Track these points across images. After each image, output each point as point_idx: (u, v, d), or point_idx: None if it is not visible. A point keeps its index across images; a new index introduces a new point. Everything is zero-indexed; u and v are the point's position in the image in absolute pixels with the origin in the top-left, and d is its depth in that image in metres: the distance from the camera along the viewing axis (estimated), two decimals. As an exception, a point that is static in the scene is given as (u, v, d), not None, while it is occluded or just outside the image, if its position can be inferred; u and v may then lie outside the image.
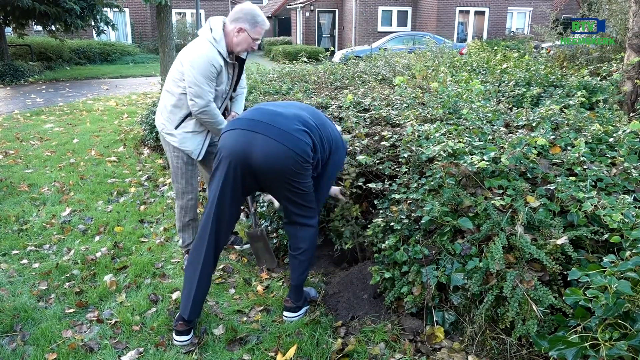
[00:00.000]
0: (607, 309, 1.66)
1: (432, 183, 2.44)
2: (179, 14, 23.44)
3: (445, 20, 21.19)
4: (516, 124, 2.98)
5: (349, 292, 2.63)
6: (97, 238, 3.49)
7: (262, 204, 3.27)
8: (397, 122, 3.20)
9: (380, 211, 2.66)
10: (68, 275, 2.95)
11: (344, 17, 24.14)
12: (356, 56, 7.65)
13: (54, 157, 5.54)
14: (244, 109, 2.98)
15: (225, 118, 2.88)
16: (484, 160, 2.29)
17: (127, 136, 6.58)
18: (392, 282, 2.43)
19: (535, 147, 2.39)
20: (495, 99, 3.64)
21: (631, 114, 3.69)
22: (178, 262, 3.14)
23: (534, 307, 1.90)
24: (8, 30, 15.01)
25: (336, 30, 24.85)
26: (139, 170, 5.09)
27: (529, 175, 2.39)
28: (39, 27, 15.21)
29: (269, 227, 3.21)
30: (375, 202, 2.75)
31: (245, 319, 2.53)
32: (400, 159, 2.75)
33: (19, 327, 2.44)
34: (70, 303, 2.66)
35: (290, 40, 26.05)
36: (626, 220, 1.96)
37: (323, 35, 25.16)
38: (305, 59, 5.97)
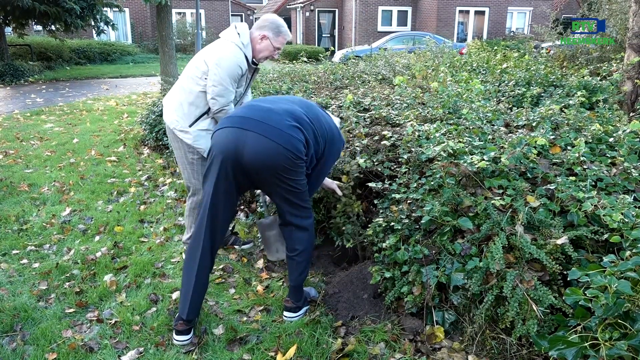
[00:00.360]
0: (607, 309, 1.66)
1: (432, 183, 2.44)
2: (179, 13, 23.43)
3: (445, 20, 21.19)
4: (516, 123, 2.98)
5: (349, 291, 2.63)
6: (97, 238, 3.49)
7: (261, 205, 3.27)
8: (397, 122, 3.20)
9: (381, 211, 2.66)
10: (68, 275, 2.95)
11: (344, 17, 24.14)
12: (356, 56, 7.64)
13: (54, 157, 5.54)
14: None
15: None
16: (484, 160, 2.29)
17: (127, 136, 6.58)
18: (392, 281, 2.44)
19: (535, 147, 2.39)
20: (495, 99, 3.65)
21: (631, 114, 3.69)
22: (178, 261, 3.14)
23: (534, 307, 1.90)
24: (8, 30, 15.01)
25: (336, 30, 24.85)
26: (139, 170, 5.09)
27: (529, 175, 2.39)
28: (39, 27, 15.20)
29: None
30: (375, 201, 2.76)
31: (245, 318, 2.53)
32: (400, 159, 2.75)
33: (19, 326, 2.44)
34: (70, 303, 2.66)
35: (290, 40, 26.01)
36: (626, 220, 1.96)
37: (323, 35, 25.16)
38: (305, 59, 5.97)
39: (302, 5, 24.51)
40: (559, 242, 1.97)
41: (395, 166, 2.80)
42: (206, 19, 23.72)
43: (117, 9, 14.18)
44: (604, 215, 1.99)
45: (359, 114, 3.42)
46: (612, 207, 2.01)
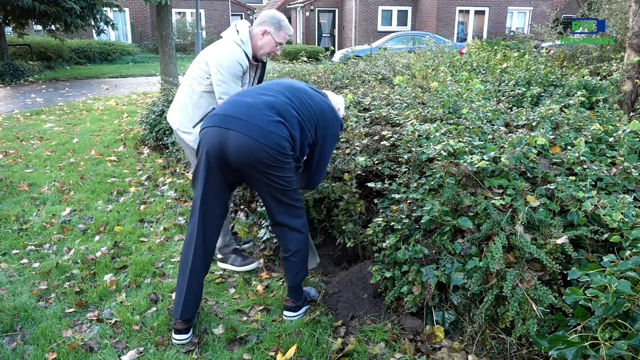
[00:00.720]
0: (607, 309, 1.66)
1: (432, 183, 2.44)
2: (179, 13, 23.43)
3: (445, 19, 21.18)
4: (516, 123, 2.98)
5: (349, 291, 2.63)
6: (97, 237, 3.49)
7: (261, 204, 3.26)
8: (397, 121, 3.20)
9: (381, 210, 2.66)
10: (68, 274, 2.95)
11: (344, 17, 24.14)
12: (356, 56, 7.64)
13: (54, 157, 5.54)
14: None
15: None
16: (484, 159, 2.29)
17: (127, 136, 6.57)
18: (392, 281, 2.44)
19: (535, 147, 2.39)
20: (495, 99, 3.64)
21: (631, 114, 3.69)
22: (178, 261, 3.13)
23: (534, 306, 1.90)
24: (8, 29, 15.01)
25: (336, 30, 24.85)
26: (139, 170, 5.08)
27: (529, 174, 2.39)
28: (39, 27, 15.21)
29: (269, 227, 3.20)
30: (376, 200, 2.76)
31: (245, 318, 2.53)
32: (400, 159, 2.75)
33: (19, 326, 2.44)
34: (70, 302, 2.66)
35: (290, 40, 26.04)
36: (626, 220, 1.96)
37: (323, 35, 25.16)
38: (305, 59, 5.96)
39: (302, 5, 24.50)
40: (559, 241, 1.97)
41: (395, 166, 2.80)
42: (206, 18, 23.72)
43: (117, 9, 14.20)
44: (604, 215, 1.99)
45: (359, 113, 3.42)
46: (612, 207, 2.01)
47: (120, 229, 3.61)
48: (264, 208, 3.12)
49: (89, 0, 12.62)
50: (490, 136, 2.69)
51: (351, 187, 2.81)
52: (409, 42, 11.71)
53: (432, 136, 2.63)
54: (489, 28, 21.91)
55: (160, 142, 5.64)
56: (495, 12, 21.84)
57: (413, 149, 2.68)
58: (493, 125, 2.90)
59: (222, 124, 2.14)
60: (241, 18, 28.11)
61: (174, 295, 2.71)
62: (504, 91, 3.86)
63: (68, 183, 4.63)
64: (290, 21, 29.56)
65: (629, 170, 2.30)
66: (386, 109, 3.41)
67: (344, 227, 2.84)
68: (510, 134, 2.67)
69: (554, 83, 3.97)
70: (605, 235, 1.99)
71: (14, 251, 3.26)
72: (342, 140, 3.16)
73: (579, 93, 3.29)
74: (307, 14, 24.55)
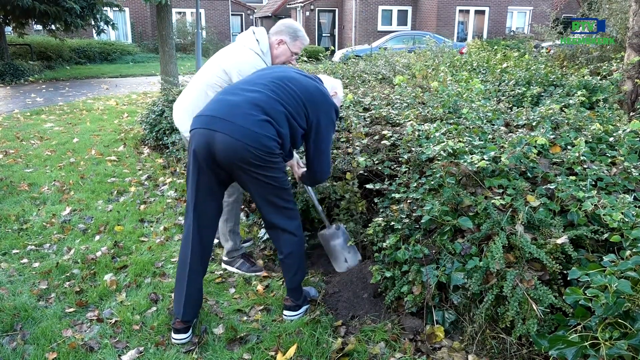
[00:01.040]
0: (607, 308, 1.66)
1: (432, 182, 2.44)
2: (179, 13, 23.42)
3: (445, 19, 21.17)
4: (516, 123, 2.98)
5: (349, 291, 2.63)
6: (97, 237, 3.49)
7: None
8: (397, 121, 3.20)
9: (381, 210, 2.66)
10: (68, 274, 2.95)
11: (344, 17, 24.13)
12: (356, 55, 7.65)
13: (54, 157, 5.54)
14: None
15: None
16: (484, 159, 2.29)
17: (127, 135, 6.57)
18: (392, 281, 2.44)
19: (535, 147, 2.39)
20: (495, 99, 3.64)
21: (631, 113, 3.69)
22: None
23: (534, 306, 1.90)
24: (8, 29, 15.00)
25: (336, 30, 24.84)
26: (139, 170, 5.08)
27: (529, 174, 2.39)
28: (39, 27, 15.21)
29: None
30: (376, 200, 2.75)
31: (245, 318, 2.53)
32: (400, 159, 2.75)
33: (19, 326, 2.44)
34: (70, 302, 2.66)
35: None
36: (626, 220, 1.96)
37: (323, 35, 25.16)
38: (305, 59, 5.96)
39: (302, 4, 24.49)
40: (559, 241, 1.97)
41: (395, 166, 2.80)
42: (206, 18, 23.71)
43: (117, 9, 14.20)
44: (604, 215, 1.99)
45: (359, 113, 3.41)
46: (612, 207, 2.01)
47: (120, 228, 3.61)
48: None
49: (89, 0, 12.63)
50: (490, 136, 2.69)
51: (353, 187, 2.80)
52: (409, 42, 11.70)
53: (432, 136, 2.63)
54: (489, 28, 21.90)
55: (161, 142, 5.64)
56: (495, 12, 21.83)
57: (413, 149, 2.68)
58: (493, 125, 2.90)
59: (208, 126, 2.13)
60: (241, 18, 28.11)
61: (173, 295, 2.71)
62: (504, 91, 3.86)
63: (68, 183, 4.63)
64: (290, 21, 29.37)
65: (629, 170, 2.30)
66: (386, 108, 3.41)
67: (344, 227, 2.84)
68: (511, 134, 2.67)
69: (554, 83, 3.97)
70: (606, 235, 1.99)
71: (14, 251, 3.26)
72: (342, 140, 3.16)
73: (579, 93, 3.29)
74: (307, 13, 24.54)
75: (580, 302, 1.76)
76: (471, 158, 2.32)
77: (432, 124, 2.82)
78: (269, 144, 2.09)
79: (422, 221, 2.32)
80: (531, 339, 1.92)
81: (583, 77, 3.88)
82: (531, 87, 3.83)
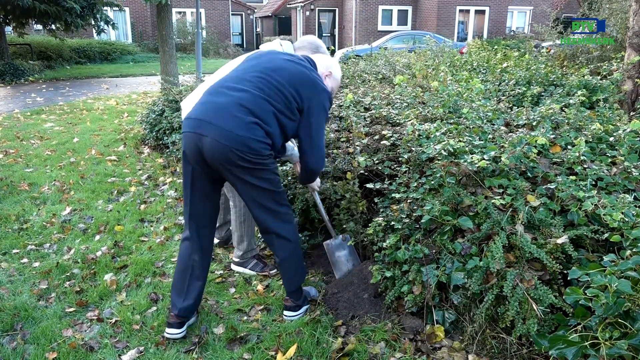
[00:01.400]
0: (608, 308, 1.66)
1: (433, 182, 2.44)
2: (179, 13, 23.43)
3: (445, 19, 21.17)
4: (516, 123, 2.98)
5: (349, 291, 2.63)
6: (97, 237, 3.49)
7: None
8: (398, 121, 3.20)
9: (381, 210, 2.66)
10: (68, 274, 2.95)
11: (344, 16, 24.13)
12: (356, 55, 7.65)
13: (54, 156, 5.54)
14: None
15: None
16: (484, 159, 2.29)
17: (128, 135, 6.58)
18: (392, 281, 2.43)
19: (535, 146, 2.39)
20: (495, 98, 3.64)
21: (631, 113, 3.69)
22: (178, 261, 3.14)
23: (534, 306, 1.90)
24: (8, 29, 15.01)
25: (336, 30, 24.84)
26: (139, 170, 5.09)
27: (529, 174, 2.39)
28: (39, 26, 15.22)
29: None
30: (376, 199, 2.75)
31: (245, 318, 2.53)
32: (400, 158, 2.75)
33: (19, 326, 2.45)
34: (70, 302, 2.66)
35: (291, 40, 26.01)
36: (626, 220, 1.96)
37: (323, 35, 25.14)
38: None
39: (302, 4, 24.49)
40: (559, 241, 1.97)
41: (395, 165, 2.80)
42: (206, 18, 23.72)
43: (117, 8, 14.20)
44: (604, 215, 1.99)
45: (359, 113, 3.41)
46: (612, 207, 2.01)
47: (120, 228, 3.61)
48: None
49: (89, 0, 12.63)
50: (490, 136, 2.69)
51: (353, 187, 2.81)
52: (409, 42, 11.69)
53: (432, 136, 2.63)
54: (489, 27, 21.90)
55: (161, 142, 5.64)
56: (495, 12, 21.83)
57: (413, 149, 2.68)
58: (493, 124, 2.90)
59: (196, 130, 2.10)
60: (241, 18, 28.12)
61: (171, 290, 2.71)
62: (504, 91, 3.86)
63: (68, 182, 4.63)
64: (290, 21, 29.41)
65: (629, 170, 2.30)
66: (386, 108, 3.41)
67: (345, 227, 2.84)
68: (511, 134, 2.67)
69: (554, 82, 3.97)
70: (606, 235, 1.99)
71: (14, 251, 3.26)
72: (342, 140, 3.16)
73: (579, 92, 3.29)
74: (307, 13, 24.54)
75: (580, 302, 1.76)
76: (471, 158, 2.32)
77: (433, 123, 2.82)
78: (256, 146, 2.06)
79: (422, 221, 2.32)
80: (531, 339, 1.92)
81: (583, 76, 3.88)
82: (531, 86, 3.83)
